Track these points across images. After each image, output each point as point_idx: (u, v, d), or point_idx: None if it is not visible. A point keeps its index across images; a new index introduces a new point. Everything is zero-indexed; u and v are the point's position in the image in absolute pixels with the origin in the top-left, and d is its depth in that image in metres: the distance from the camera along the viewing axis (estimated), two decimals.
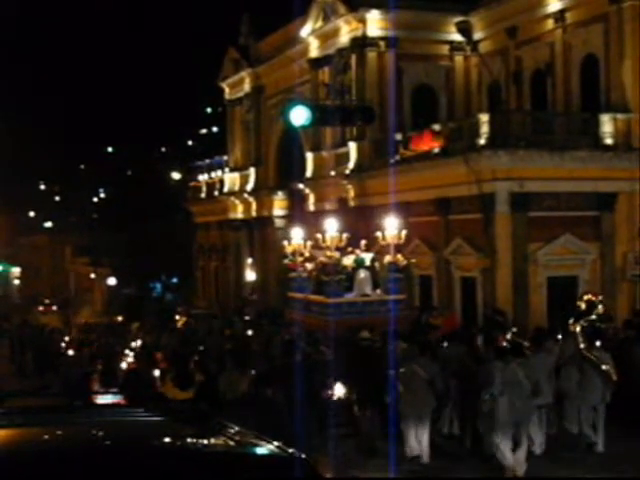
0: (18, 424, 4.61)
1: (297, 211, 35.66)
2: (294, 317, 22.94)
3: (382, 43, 31.27)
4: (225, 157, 47.02)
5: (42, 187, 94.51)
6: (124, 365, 21.98)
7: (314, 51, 34.56)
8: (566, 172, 24.55)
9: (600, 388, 14.05)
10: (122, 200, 72.62)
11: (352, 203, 31.59)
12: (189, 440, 4.59)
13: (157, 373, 18.33)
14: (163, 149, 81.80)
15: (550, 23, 28.51)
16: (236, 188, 43.79)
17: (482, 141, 24.40)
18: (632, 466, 13.10)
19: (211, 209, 47.33)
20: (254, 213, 42.54)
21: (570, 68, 27.88)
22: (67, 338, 34.30)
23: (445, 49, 32.65)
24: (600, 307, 16.68)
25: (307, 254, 23.65)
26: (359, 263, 22.41)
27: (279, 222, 40.40)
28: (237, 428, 4.73)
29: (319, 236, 23.00)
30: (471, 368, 14.20)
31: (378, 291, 22.41)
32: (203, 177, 49.86)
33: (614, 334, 17.82)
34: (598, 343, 14.48)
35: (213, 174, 48.39)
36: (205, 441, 4.56)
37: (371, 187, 30.18)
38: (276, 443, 4.48)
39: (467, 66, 32.78)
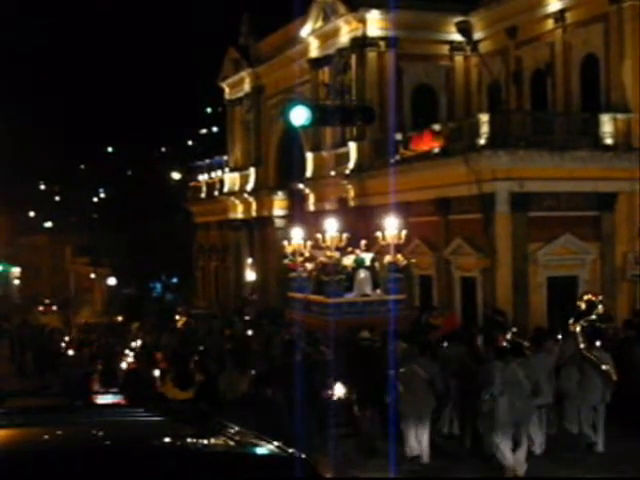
0: (18, 424, 4.61)
1: (297, 211, 35.66)
2: (294, 317, 22.94)
3: (382, 43, 31.28)
4: (225, 157, 47.03)
5: (42, 187, 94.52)
6: (124, 365, 21.97)
7: (314, 51, 34.56)
8: (566, 172, 24.55)
9: (600, 388, 14.05)
10: (122, 200, 72.63)
11: (352, 203, 31.59)
12: (189, 440, 4.59)
13: (157, 373, 18.33)
14: (163, 149, 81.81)
15: (550, 23, 28.51)
16: (236, 188, 43.79)
17: (482, 141, 24.40)
18: (632, 466, 13.10)
19: (211, 209, 47.33)
20: (254, 213, 42.55)
21: (570, 68, 27.89)
22: (67, 338, 34.30)
23: (445, 49, 32.65)
24: (600, 307, 16.69)
25: (307, 254, 23.65)
26: (359, 263, 22.41)
27: (279, 222, 40.40)
28: (237, 428, 4.73)
29: (319, 236, 23.00)
30: (471, 368, 14.20)
31: (378, 291, 22.41)
32: (203, 177, 49.87)
33: (614, 334, 17.83)
34: (598, 343, 14.48)
35: (213, 174, 48.40)
36: (205, 441, 4.56)
37: (371, 187, 30.19)
38: (276, 443, 4.48)
39: (467, 66, 32.78)
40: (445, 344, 15.98)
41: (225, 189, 45.02)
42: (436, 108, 32.51)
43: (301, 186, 35.90)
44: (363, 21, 31.26)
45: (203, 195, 49.06)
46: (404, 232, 22.23)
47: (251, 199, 42.58)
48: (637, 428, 14.59)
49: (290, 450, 4.42)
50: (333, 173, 32.92)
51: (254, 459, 4.36)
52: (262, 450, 4.42)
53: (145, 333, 30.25)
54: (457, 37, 32.38)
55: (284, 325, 23.29)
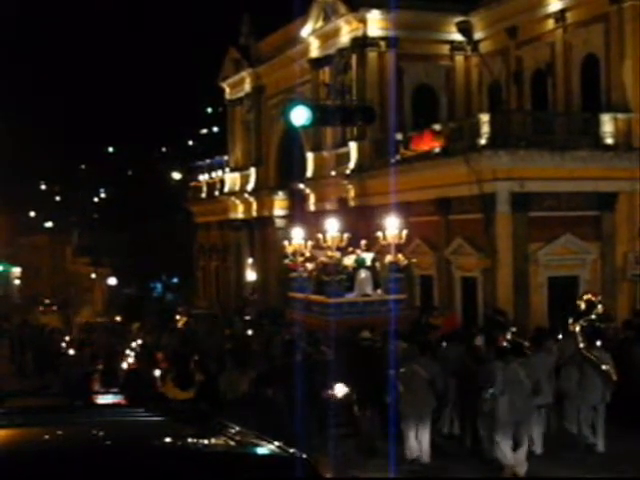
0: (18, 424, 4.61)
1: (298, 211, 35.65)
2: (295, 317, 22.93)
3: (382, 43, 31.27)
4: (225, 157, 47.03)
5: (42, 187, 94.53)
6: (125, 365, 21.99)
7: (314, 51, 34.56)
8: (566, 172, 24.55)
9: (600, 388, 14.05)
10: (122, 200, 72.57)
11: (353, 203, 31.59)
12: (189, 440, 4.59)
13: (157, 373, 18.33)
14: (163, 149, 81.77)
15: (550, 23, 28.50)
16: (236, 188, 43.80)
17: (483, 141, 24.40)
18: (632, 466, 13.09)
19: (211, 209, 47.33)
20: (254, 213, 42.55)
21: (570, 68, 27.88)
22: (67, 338, 34.31)
23: (445, 49, 32.65)
24: (599, 307, 16.68)
25: (308, 254, 23.64)
26: (360, 263, 22.40)
27: (279, 222, 40.40)
28: (237, 428, 4.73)
29: (320, 236, 22.99)
30: (471, 368, 14.20)
31: (379, 291, 22.40)
32: (203, 177, 49.88)
33: (614, 334, 17.83)
34: (598, 343, 14.48)
35: (213, 174, 48.41)
36: (205, 441, 4.56)
37: (372, 187, 30.18)
38: (277, 443, 4.48)
39: (467, 66, 32.77)
40: (444, 344, 15.98)
41: (225, 189, 45.02)
42: (436, 108, 32.51)
43: (302, 186, 35.89)
44: (363, 21, 31.26)
45: (203, 195, 49.06)
46: (405, 232, 22.21)
47: (251, 199, 42.58)
48: (637, 428, 14.59)
49: (291, 450, 4.42)
50: (334, 173, 32.92)
51: (255, 459, 4.36)
52: (263, 450, 4.42)
53: (146, 333, 30.26)
54: (457, 37, 32.37)
55: (285, 325, 23.29)
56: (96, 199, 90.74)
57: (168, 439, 4.68)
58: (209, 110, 76.31)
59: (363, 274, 22.30)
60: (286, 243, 24.68)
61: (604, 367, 14.04)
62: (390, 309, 20.78)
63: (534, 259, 24.63)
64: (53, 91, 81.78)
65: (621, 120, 25.37)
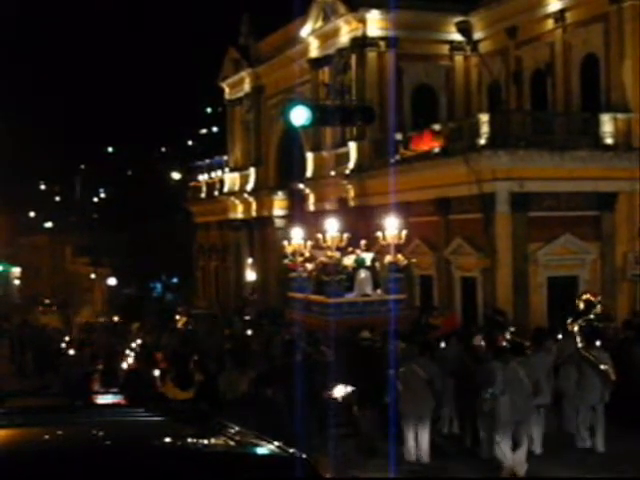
0: (18, 424, 4.61)
1: (297, 211, 35.66)
2: (294, 317, 22.94)
3: (382, 43, 31.28)
4: (225, 157, 47.03)
5: (42, 187, 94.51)
6: (124, 365, 21.97)
7: (314, 51, 34.56)
8: (566, 172, 24.55)
9: (599, 388, 14.03)
10: (122, 200, 72.63)
11: (352, 203, 31.59)
12: (189, 440, 4.59)
13: (157, 373, 18.32)
14: (163, 149, 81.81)
15: (550, 23, 28.51)
16: (236, 188, 43.80)
17: (482, 141, 24.41)
18: (632, 466, 13.09)
19: (211, 209, 47.33)
20: (254, 213, 42.55)
21: (570, 68, 27.89)
22: (67, 338, 34.29)
23: (445, 49, 32.66)
24: (598, 307, 16.69)
25: (307, 254, 23.65)
26: (359, 263, 22.41)
27: (279, 222, 40.41)
28: (237, 428, 4.73)
29: (319, 236, 23.00)
30: (470, 368, 14.20)
31: (378, 291, 22.41)
32: (203, 177, 49.87)
33: (614, 334, 17.83)
34: (598, 343, 14.47)
35: (213, 174, 48.41)
36: (205, 441, 4.56)
37: (371, 187, 30.19)
38: (276, 443, 4.48)
39: (467, 66, 32.78)
40: (443, 344, 15.98)
41: (225, 189, 45.02)
42: (436, 108, 32.52)
43: (301, 186, 35.90)
44: (363, 21, 31.26)
45: (203, 195, 49.06)
46: (404, 232, 22.23)
47: (251, 199, 42.58)
48: (637, 428, 14.58)
49: (290, 450, 4.42)
50: (333, 173, 32.92)
51: (254, 459, 4.36)
52: (262, 450, 4.42)
53: (145, 333, 30.24)
54: (457, 37, 32.38)
55: (284, 325, 23.29)
56: (96, 199, 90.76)
57: (168, 439, 4.68)
58: (209, 110, 76.33)
59: (363, 274, 22.31)
60: (286, 243, 24.69)
61: (602, 367, 14.04)
62: (390, 309, 20.79)
63: (534, 259, 24.64)
64: (53, 91, 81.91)
65: (621, 120, 25.37)
